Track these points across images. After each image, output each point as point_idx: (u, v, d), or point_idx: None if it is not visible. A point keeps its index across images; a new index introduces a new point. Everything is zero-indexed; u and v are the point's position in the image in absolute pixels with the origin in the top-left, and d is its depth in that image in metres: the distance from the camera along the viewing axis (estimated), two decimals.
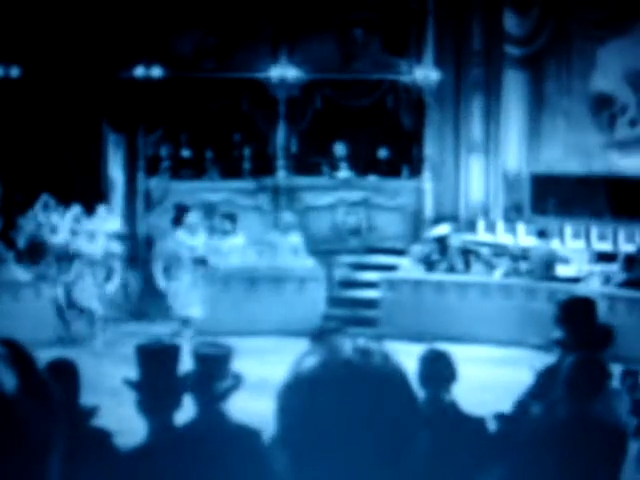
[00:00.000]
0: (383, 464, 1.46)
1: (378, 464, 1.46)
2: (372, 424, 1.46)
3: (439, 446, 4.00)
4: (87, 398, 4.28)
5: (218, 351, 4.01)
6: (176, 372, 4.00)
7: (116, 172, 13.77)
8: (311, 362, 1.50)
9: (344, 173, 14.11)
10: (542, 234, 11.98)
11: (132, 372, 4.03)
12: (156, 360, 3.97)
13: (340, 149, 14.17)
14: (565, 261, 11.92)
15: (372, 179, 14.08)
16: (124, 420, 4.40)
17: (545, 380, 4.88)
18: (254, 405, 5.07)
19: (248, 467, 3.48)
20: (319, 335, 6.00)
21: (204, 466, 3.66)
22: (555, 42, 13.66)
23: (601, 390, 4.24)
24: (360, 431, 1.45)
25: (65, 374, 4.14)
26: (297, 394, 1.49)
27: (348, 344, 1.51)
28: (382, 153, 14.22)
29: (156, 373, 3.92)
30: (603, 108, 13.53)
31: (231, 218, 12.63)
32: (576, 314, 5.14)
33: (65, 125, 13.74)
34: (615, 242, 12.46)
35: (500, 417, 4.67)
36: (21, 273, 11.82)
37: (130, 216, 13.44)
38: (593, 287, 10.85)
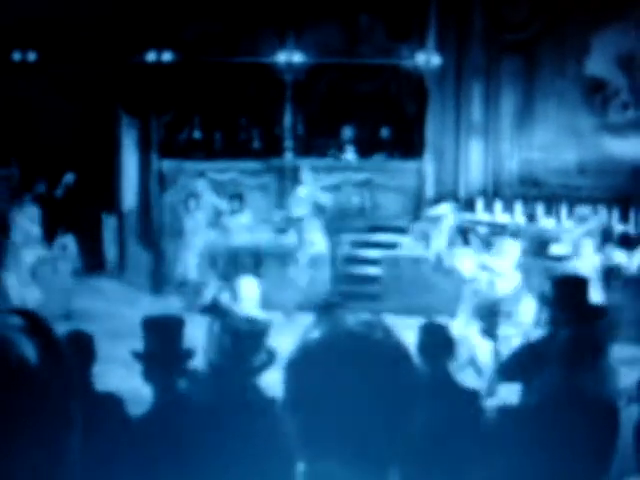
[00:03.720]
0: (385, 428, 1.50)
1: (380, 428, 1.49)
2: (374, 392, 1.49)
3: (435, 415, 4.03)
4: (103, 368, 4.32)
5: (254, 326, 4.02)
6: (180, 343, 4.02)
7: (130, 154, 13.79)
8: (316, 334, 1.54)
9: (350, 155, 14.10)
10: (531, 217, 12.10)
11: (139, 345, 4.06)
12: (160, 331, 4.00)
13: (347, 132, 14.16)
14: (556, 240, 11.94)
15: (375, 161, 14.08)
16: (138, 390, 4.43)
17: (530, 354, 4.90)
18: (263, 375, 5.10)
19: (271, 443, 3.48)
20: (323, 309, 6.03)
21: (223, 437, 3.67)
22: (550, 27, 13.60)
23: (593, 363, 4.25)
24: (363, 398, 1.48)
25: (81, 345, 4.18)
26: (304, 364, 1.52)
27: (351, 318, 1.55)
28: (384, 133, 14.23)
29: (160, 344, 3.95)
30: (596, 92, 13.49)
31: (239, 198, 12.68)
32: (569, 292, 5.15)
33: (80, 108, 13.74)
34: (610, 221, 12.45)
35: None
36: (40, 250, 11.87)
37: (144, 196, 13.47)
38: (588, 265, 10.84)
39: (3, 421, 1.24)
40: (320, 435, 1.49)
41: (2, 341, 1.27)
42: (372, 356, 1.50)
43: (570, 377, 4.11)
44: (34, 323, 1.33)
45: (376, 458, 1.49)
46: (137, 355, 4.00)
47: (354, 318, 1.54)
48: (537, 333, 5.18)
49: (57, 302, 10.94)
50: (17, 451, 1.25)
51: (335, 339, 1.52)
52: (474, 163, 14.06)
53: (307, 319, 5.66)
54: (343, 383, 1.48)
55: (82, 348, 4.16)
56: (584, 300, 5.22)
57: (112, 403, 4.06)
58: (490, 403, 4.88)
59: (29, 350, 1.28)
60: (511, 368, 4.99)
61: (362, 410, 1.48)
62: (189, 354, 4.03)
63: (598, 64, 13.42)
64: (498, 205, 13.36)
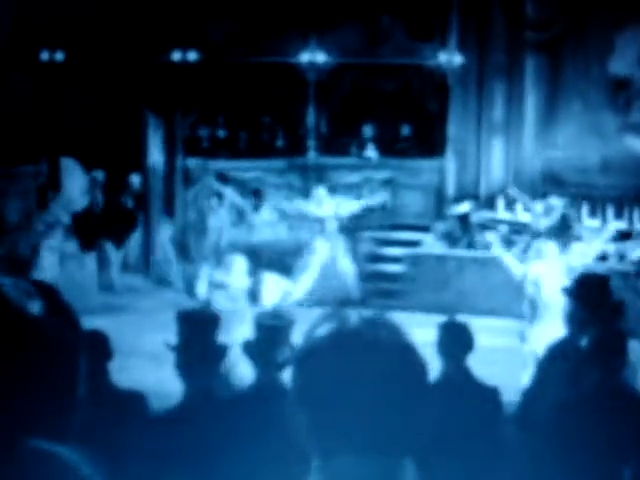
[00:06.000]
0: (391, 424, 1.49)
1: (385, 424, 1.48)
2: (378, 388, 1.48)
3: (453, 411, 4.02)
4: (128, 361, 4.34)
5: (279, 322, 4.03)
6: (215, 338, 4.02)
7: (155, 152, 13.85)
8: (321, 331, 1.53)
9: (371, 153, 14.10)
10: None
11: (172, 337, 4.06)
12: (196, 325, 4.00)
13: (368, 130, 14.16)
14: (577, 239, 11.86)
15: (397, 159, 14.06)
16: (163, 383, 4.45)
17: (559, 353, 4.86)
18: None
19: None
20: (344, 306, 6.03)
21: (242, 431, 3.67)
22: (573, 27, 13.50)
23: (625, 359, 4.20)
24: (367, 395, 1.48)
25: (96, 343, 4.18)
26: (308, 360, 1.52)
27: (354, 314, 1.54)
28: (405, 131, 14.21)
29: (195, 338, 3.95)
30: (620, 91, 13.38)
31: (258, 194, 12.72)
32: (592, 290, 5.10)
33: (107, 107, 13.83)
34: (630, 220, 12.36)
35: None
36: (67, 245, 11.96)
37: (169, 195, 13.54)
38: (608, 264, 10.78)
39: (12, 371, 1.28)
40: (326, 431, 1.48)
41: (10, 300, 1.30)
42: (375, 352, 1.50)
43: (605, 373, 4.06)
44: (35, 284, 1.36)
45: (385, 453, 1.48)
46: (170, 347, 3.99)
47: (358, 315, 1.54)
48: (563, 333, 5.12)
49: (82, 296, 11.01)
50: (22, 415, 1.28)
51: (339, 335, 1.51)
52: (496, 162, 13.99)
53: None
54: (347, 379, 1.47)
55: (97, 346, 4.15)
56: (606, 299, 5.17)
57: (132, 400, 4.06)
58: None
59: (35, 306, 1.31)
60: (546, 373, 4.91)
61: (367, 406, 1.47)
62: (223, 349, 4.00)
63: (622, 63, 13.32)
64: (519, 204, 13.28)
